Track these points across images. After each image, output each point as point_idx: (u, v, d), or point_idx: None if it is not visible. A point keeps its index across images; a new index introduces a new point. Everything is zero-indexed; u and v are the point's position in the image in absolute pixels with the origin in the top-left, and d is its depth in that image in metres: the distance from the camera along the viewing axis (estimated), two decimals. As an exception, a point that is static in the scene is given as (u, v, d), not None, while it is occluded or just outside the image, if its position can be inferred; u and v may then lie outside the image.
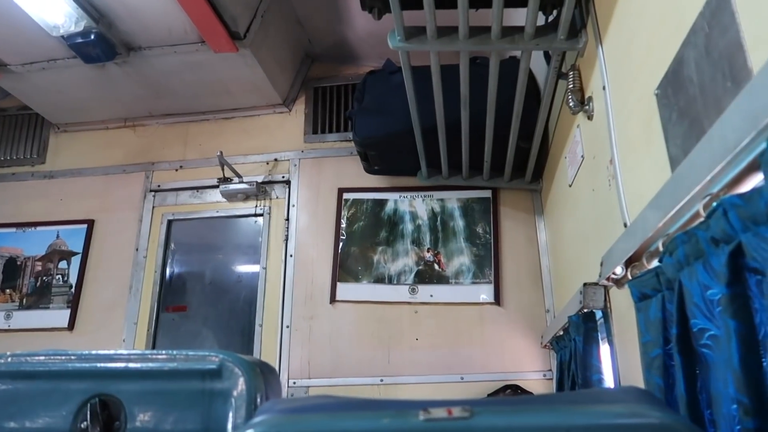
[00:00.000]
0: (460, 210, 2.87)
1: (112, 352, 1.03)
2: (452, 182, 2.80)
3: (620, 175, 1.39)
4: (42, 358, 1.05)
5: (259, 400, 0.96)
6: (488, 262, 2.74)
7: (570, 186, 2.01)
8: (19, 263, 3.21)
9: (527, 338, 2.60)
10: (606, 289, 1.53)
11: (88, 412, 0.98)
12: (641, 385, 1.19)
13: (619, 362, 1.49)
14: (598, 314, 1.67)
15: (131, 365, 1.00)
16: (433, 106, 2.19)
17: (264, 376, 1.01)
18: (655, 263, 1.03)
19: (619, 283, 1.28)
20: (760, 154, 0.61)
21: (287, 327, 2.79)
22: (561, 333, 2.04)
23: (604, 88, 1.50)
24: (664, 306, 0.97)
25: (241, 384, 0.96)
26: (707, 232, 0.77)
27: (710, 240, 0.76)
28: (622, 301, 1.40)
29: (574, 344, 1.73)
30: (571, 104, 1.76)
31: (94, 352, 1.03)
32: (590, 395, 0.69)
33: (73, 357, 1.04)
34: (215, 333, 2.92)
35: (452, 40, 1.78)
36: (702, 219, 0.79)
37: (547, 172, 2.59)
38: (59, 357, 1.04)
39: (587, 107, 1.70)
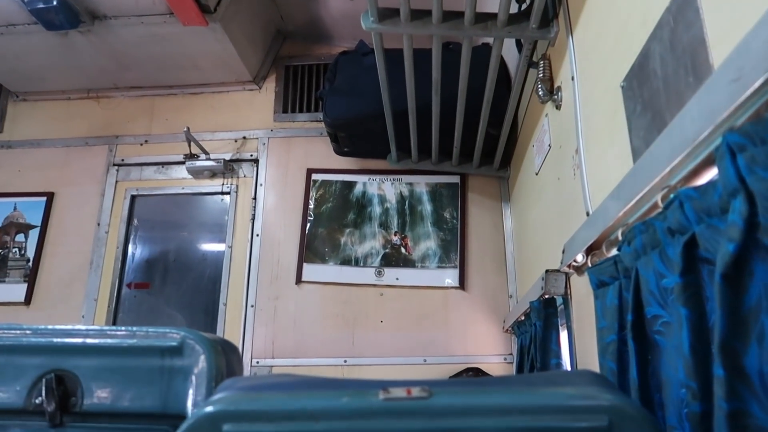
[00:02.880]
0: (428, 194, 2.88)
1: (69, 327, 1.01)
2: (421, 167, 2.80)
3: (585, 164, 1.41)
4: (-4, 331, 1.03)
5: (220, 377, 0.96)
6: (454, 247, 2.77)
7: (537, 174, 2.04)
8: (-27, 235, 3.11)
9: (490, 322, 2.64)
10: (567, 276, 1.57)
11: (43, 387, 0.96)
12: (596, 369, 1.23)
13: (576, 347, 1.53)
14: (559, 300, 1.71)
15: (89, 341, 0.99)
16: (405, 90, 2.18)
17: (225, 354, 1.00)
18: (614, 252, 1.06)
19: (579, 270, 1.31)
20: (715, 149, 0.63)
21: (252, 306, 2.78)
22: (522, 318, 2.08)
23: (572, 78, 1.52)
24: (621, 293, 1.00)
25: (201, 362, 0.95)
26: (664, 223, 0.79)
27: (666, 230, 0.79)
28: (582, 288, 1.44)
29: (535, 329, 1.77)
30: (540, 93, 1.78)
31: (50, 326, 1.01)
32: (545, 378, 0.71)
33: (28, 332, 1.01)
34: (179, 311, 2.88)
35: (425, 24, 1.77)
36: (660, 210, 0.81)
37: (514, 160, 2.62)
38: (13, 331, 1.02)
39: (556, 97, 1.72)
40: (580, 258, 1.27)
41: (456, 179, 2.89)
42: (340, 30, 3.16)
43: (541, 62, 1.83)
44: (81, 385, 0.97)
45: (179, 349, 0.96)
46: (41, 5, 2.48)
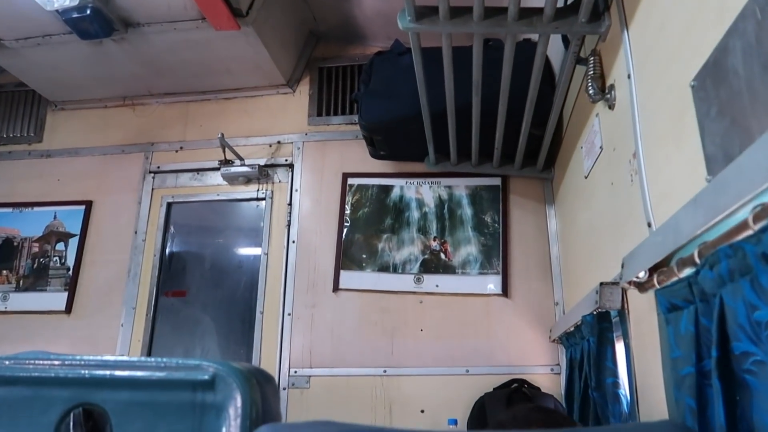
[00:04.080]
0: (468, 198, 2.78)
1: (98, 357, 0.96)
2: (461, 169, 2.71)
3: (645, 170, 1.30)
4: (24, 362, 0.98)
5: (255, 414, 0.89)
6: (496, 252, 2.66)
7: (586, 177, 1.92)
8: (15, 244, 3.15)
9: (535, 331, 2.53)
10: (623, 289, 1.45)
11: (71, 422, 0.92)
12: (662, 397, 1.12)
13: (635, 367, 1.42)
14: (613, 313, 1.60)
15: (118, 373, 0.93)
16: (443, 90, 2.09)
17: (260, 386, 0.93)
18: (687, 272, 0.95)
19: (642, 287, 1.20)
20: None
21: (289, 315, 2.73)
22: (572, 329, 1.97)
23: (629, 76, 1.40)
24: (698, 320, 0.89)
25: (236, 397, 0.89)
26: (757, 247, 0.68)
27: (761, 256, 0.68)
28: (641, 303, 1.33)
29: (588, 344, 1.66)
30: (590, 92, 1.67)
31: (78, 357, 0.96)
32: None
33: (56, 363, 0.96)
34: (215, 319, 2.86)
35: (466, 22, 1.68)
36: (751, 232, 0.70)
37: (559, 161, 2.50)
38: (42, 362, 0.97)
39: (608, 96, 1.60)
40: (642, 274, 1.16)
41: (497, 181, 2.78)
42: (374, 29, 3.08)
43: (591, 58, 1.71)
44: (110, 420, 0.91)
45: (212, 383, 0.90)
46: (75, 15, 2.47)
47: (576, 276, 2.24)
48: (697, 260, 0.86)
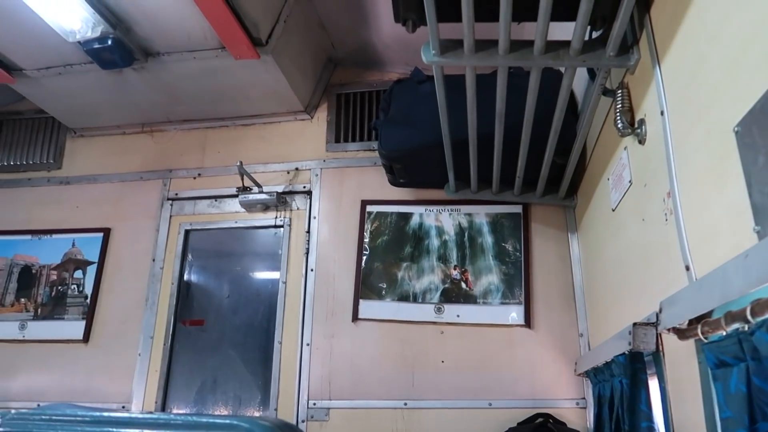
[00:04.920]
0: (488, 225, 2.75)
1: (127, 415, 0.93)
2: (481, 196, 2.68)
3: (681, 211, 1.26)
4: (50, 416, 0.96)
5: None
6: (518, 282, 2.62)
7: (613, 210, 1.88)
8: (34, 272, 3.16)
9: (559, 363, 2.48)
10: (658, 331, 1.41)
11: (100, 483, 0.89)
12: (708, 451, 1.07)
13: (672, 413, 1.37)
14: (646, 352, 1.55)
15: (147, 432, 0.91)
16: (464, 118, 2.08)
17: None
18: (735, 325, 0.91)
19: (682, 334, 1.16)
20: None
21: (307, 345, 2.70)
22: (600, 365, 1.92)
23: (662, 113, 1.37)
24: (749, 379, 0.85)
25: (268, 458, 0.86)
26: (823, 316, 0.65)
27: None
28: (678, 346, 1.28)
29: (620, 386, 1.61)
30: (619, 125, 1.64)
31: (106, 414, 0.94)
32: None
33: (85, 418, 0.94)
34: (233, 349, 2.83)
35: (491, 55, 1.67)
36: (815, 298, 0.67)
37: (583, 189, 2.46)
38: (68, 417, 0.95)
39: (638, 130, 1.57)
40: (684, 323, 1.12)
41: (518, 209, 2.75)
42: (393, 55, 3.08)
43: (619, 92, 1.69)
44: (139, 480, 0.89)
45: (243, 444, 0.87)
46: (97, 45, 2.50)
47: (602, 308, 2.20)
48: (750, 318, 0.82)
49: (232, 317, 2.91)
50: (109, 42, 2.48)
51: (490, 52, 1.66)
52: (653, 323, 1.40)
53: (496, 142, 2.18)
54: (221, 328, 2.90)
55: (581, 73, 2.11)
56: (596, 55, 1.62)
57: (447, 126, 2.16)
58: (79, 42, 2.49)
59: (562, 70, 1.77)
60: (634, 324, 1.45)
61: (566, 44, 1.61)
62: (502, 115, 1.98)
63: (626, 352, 1.55)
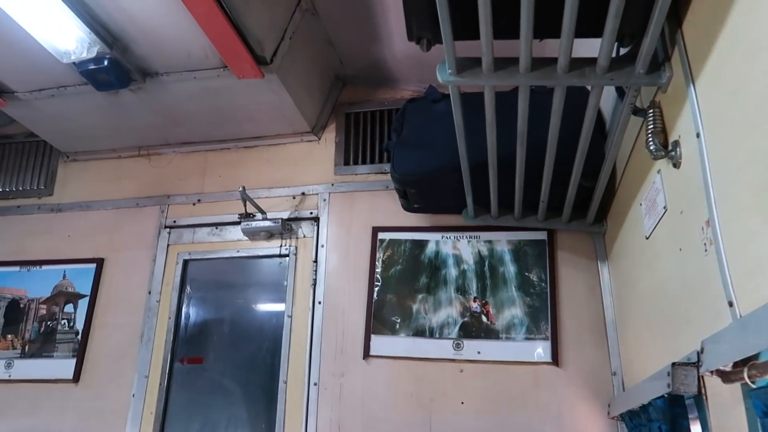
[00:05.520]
0: (511, 254, 2.74)
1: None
2: (502, 222, 2.68)
3: (722, 241, 1.25)
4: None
5: None
6: (544, 315, 2.60)
7: (647, 238, 1.87)
8: (22, 306, 3.19)
9: (590, 405, 2.44)
10: (700, 372, 1.39)
11: None
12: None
13: (719, 463, 1.35)
14: (687, 395, 1.53)
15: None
16: (482, 140, 2.08)
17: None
18: (786, 370, 0.90)
19: (726, 377, 1.15)
20: None
21: (315, 384, 2.69)
22: (636, 409, 1.89)
23: (698, 135, 1.37)
24: (804, 431, 0.83)
25: None
26: None
27: None
28: (723, 390, 1.26)
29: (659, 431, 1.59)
30: (651, 148, 1.64)
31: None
32: None
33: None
34: (234, 389, 2.82)
35: (511, 74, 1.68)
36: None
37: (613, 214, 2.46)
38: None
39: (672, 153, 1.57)
40: (729, 365, 1.10)
41: (542, 235, 2.74)
42: (405, 72, 3.12)
43: (651, 111, 1.69)
44: None
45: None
46: (92, 66, 2.55)
47: (637, 344, 2.17)
48: (803, 364, 0.81)
49: (233, 354, 2.91)
50: (105, 63, 2.54)
51: (511, 70, 1.68)
52: (694, 363, 1.38)
53: (518, 165, 2.19)
54: (222, 366, 2.90)
55: (609, 91, 2.12)
56: (625, 72, 1.62)
57: (465, 147, 2.16)
58: (73, 63, 2.55)
59: (589, 87, 1.78)
60: (674, 364, 1.43)
61: (592, 61, 1.62)
62: (524, 135, 1.99)
63: (665, 395, 1.52)
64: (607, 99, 2.23)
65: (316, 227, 3.01)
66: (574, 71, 1.65)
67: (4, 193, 3.50)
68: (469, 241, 2.80)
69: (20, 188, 3.49)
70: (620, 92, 1.88)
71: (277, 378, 2.76)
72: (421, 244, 2.84)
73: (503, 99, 1.95)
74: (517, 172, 2.25)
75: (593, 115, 1.85)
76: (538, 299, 2.64)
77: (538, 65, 1.66)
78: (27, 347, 3.08)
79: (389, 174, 2.71)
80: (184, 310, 3.02)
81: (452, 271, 2.76)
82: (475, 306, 2.68)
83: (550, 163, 2.14)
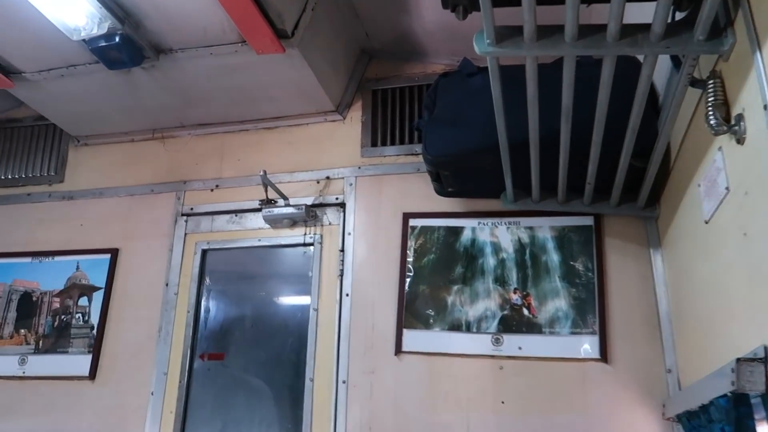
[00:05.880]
0: (554, 241, 2.72)
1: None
2: (544, 207, 2.65)
3: (793, 225, 1.23)
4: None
5: None
6: (591, 307, 2.58)
7: (707, 222, 1.84)
8: (35, 299, 3.27)
9: (643, 405, 2.42)
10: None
11: None
12: None
13: (788, 468, 1.33)
14: (753, 394, 1.51)
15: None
16: (523, 116, 2.06)
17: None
18: None
19: (799, 374, 1.13)
20: None
21: (343, 382, 2.72)
22: (695, 409, 1.87)
23: (765, 107, 1.34)
24: None
25: None
26: None
27: None
28: (793, 388, 1.25)
29: (721, 434, 1.57)
30: (712, 122, 1.60)
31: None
32: None
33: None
34: (258, 387, 2.87)
35: (556, 43, 1.66)
36: None
37: (667, 197, 2.42)
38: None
39: (736, 128, 1.53)
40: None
41: (589, 221, 2.71)
42: (437, 45, 3.10)
43: (711, 82, 1.65)
44: None
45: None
46: (103, 43, 2.59)
47: (695, 339, 2.14)
48: None
49: (256, 350, 2.96)
50: (117, 39, 2.57)
51: (555, 39, 1.65)
52: (761, 359, 1.36)
53: (562, 143, 2.16)
54: (244, 363, 2.95)
55: (663, 61, 2.07)
56: (682, 39, 1.59)
57: (503, 125, 2.15)
58: (83, 40, 2.59)
59: (641, 58, 1.75)
60: (738, 359, 1.41)
61: (645, 28, 1.59)
62: (569, 111, 1.97)
63: (728, 394, 1.51)
64: (661, 69, 2.19)
65: (342, 214, 3.03)
66: (625, 39, 1.62)
67: (13, 180, 3.59)
68: (508, 228, 2.79)
69: (30, 175, 3.57)
70: (676, 62, 1.85)
71: (303, 375, 2.79)
72: (456, 231, 2.84)
73: (546, 71, 1.92)
74: (561, 152, 2.22)
75: (646, 88, 1.81)
76: (584, 290, 2.62)
77: (586, 33, 1.64)
78: (41, 342, 3.17)
79: (420, 155, 2.71)
80: (203, 303, 3.07)
81: (490, 261, 2.76)
82: (515, 298, 2.67)
83: (598, 141, 2.12)
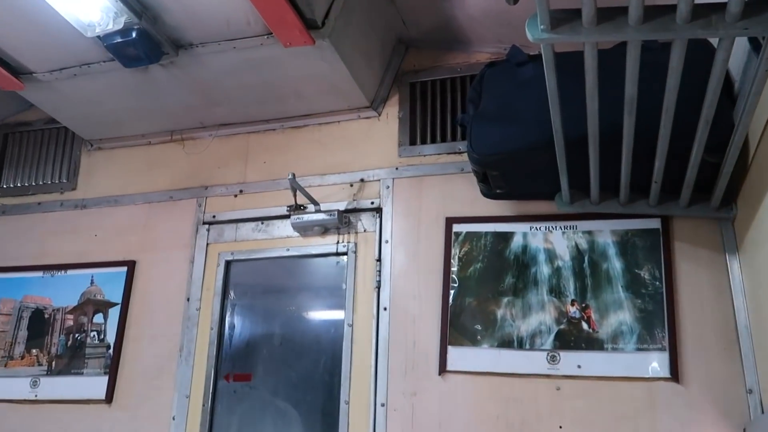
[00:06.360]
0: (616, 246, 2.71)
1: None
2: (604, 209, 2.64)
3: None
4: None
5: None
6: (659, 320, 2.56)
7: (792, 224, 1.82)
8: (47, 316, 3.36)
9: (720, 430, 2.39)
10: None
11: None
12: None
13: None
14: None
15: None
16: (581, 109, 2.06)
17: None
18: None
19: None
20: None
21: (382, 405, 2.73)
22: (782, 434, 1.85)
23: None
24: None
25: None
26: None
27: None
28: None
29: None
30: (797, 111, 1.59)
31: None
32: None
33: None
34: (288, 411, 2.90)
35: (619, 27, 1.66)
36: None
37: (745, 196, 2.39)
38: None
39: (826, 116, 1.52)
40: None
41: (655, 223, 2.69)
42: (482, 32, 3.10)
43: (796, 66, 1.64)
44: None
45: None
46: (119, 39, 2.65)
47: (780, 355, 2.12)
48: None
49: (286, 370, 2.99)
50: (134, 35, 2.63)
51: (618, 23, 1.65)
52: None
53: (624, 138, 2.16)
54: (273, 384, 2.99)
55: (740, 44, 2.05)
56: (762, 20, 1.58)
57: (559, 119, 2.15)
58: (98, 36, 2.66)
59: (714, 41, 1.74)
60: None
61: (720, 7, 1.58)
62: (633, 102, 1.96)
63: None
64: (737, 54, 2.17)
65: (378, 219, 3.05)
66: (697, 21, 1.61)
67: (22, 188, 3.69)
68: (564, 233, 2.78)
69: (40, 182, 3.67)
70: (755, 45, 1.84)
71: (337, 398, 2.82)
72: (506, 237, 2.84)
73: (605, 58, 1.92)
74: (624, 147, 2.22)
75: (720, 75, 1.80)
76: (651, 301, 2.60)
77: (652, 15, 1.64)
78: (54, 363, 3.24)
79: (465, 154, 2.72)
80: (227, 319, 3.12)
81: (544, 269, 2.75)
82: (573, 310, 2.66)
83: (666, 134, 2.10)
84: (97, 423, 3.07)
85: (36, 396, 3.20)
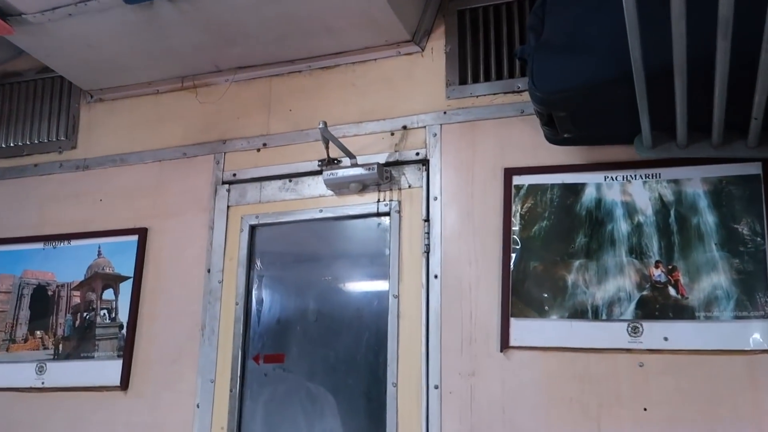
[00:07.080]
0: (707, 197, 2.67)
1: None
2: (693, 153, 2.61)
3: None
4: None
5: None
6: (761, 283, 2.53)
7: None
8: (50, 293, 3.44)
9: (836, 410, 2.38)
10: None
11: None
12: None
13: None
14: None
15: None
16: (665, 35, 2.03)
17: None
18: None
19: None
20: None
21: (435, 388, 2.76)
22: None
23: None
24: None
25: None
26: None
27: None
28: None
29: None
30: None
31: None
32: None
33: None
34: (327, 396, 2.94)
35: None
36: None
37: None
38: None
39: None
40: None
41: (755, 168, 2.64)
42: (542, -54, 3.05)
43: None
44: None
45: None
46: (119, -29, 2.67)
47: None
48: None
49: (323, 349, 3.03)
50: (135, -35, 2.65)
51: None
52: None
53: (718, 67, 2.11)
54: (309, 366, 3.03)
55: None
56: None
57: (639, 48, 2.11)
58: (96, -31, 2.68)
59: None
60: None
61: None
62: (728, 23, 1.91)
63: None
64: None
65: (425, 173, 3.05)
66: None
67: (16, 149, 3.77)
68: (645, 182, 2.76)
69: (36, 141, 3.74)
70: None
71: (383, 380, 2.85)
72: (576, 190, 2.82)
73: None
74: (717, 78, 2.18)
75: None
76: (751, 261, 2.56)
77: None
78: (61, 346, 3.34)
79: (526, 93, 2.69)
80: (254, 292, 3.16)
81: (622, 226, 2.73)
82: (657, 274, 2.65)
83: (767, 59, 2.06)
84: (112, 413, 3.16)
85: (43, 383, 3.30)
